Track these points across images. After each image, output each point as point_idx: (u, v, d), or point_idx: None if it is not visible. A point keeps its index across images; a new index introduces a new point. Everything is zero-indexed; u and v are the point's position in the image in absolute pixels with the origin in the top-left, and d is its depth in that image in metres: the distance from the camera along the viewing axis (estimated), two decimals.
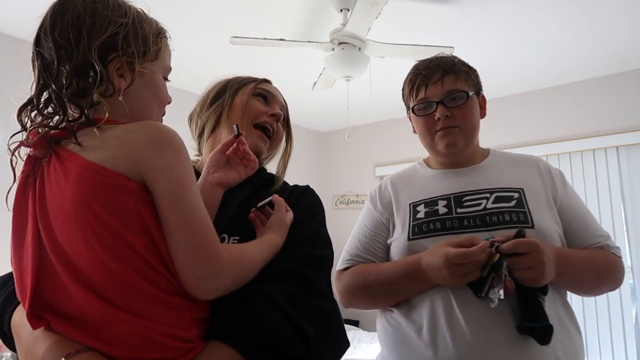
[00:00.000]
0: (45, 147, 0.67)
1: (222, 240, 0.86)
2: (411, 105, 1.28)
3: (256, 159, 0.93)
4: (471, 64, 1.30)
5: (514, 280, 1.00)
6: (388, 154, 4.81)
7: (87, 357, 0.61)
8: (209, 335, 0.69)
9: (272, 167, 1.10)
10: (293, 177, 1.05)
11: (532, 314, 1.00)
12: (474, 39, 3.13)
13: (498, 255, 0.98)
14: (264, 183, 1.00)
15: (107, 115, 0.66)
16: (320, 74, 3.11)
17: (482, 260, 1.00)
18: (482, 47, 3.24)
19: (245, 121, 0.99)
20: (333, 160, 5.23)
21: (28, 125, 0.68)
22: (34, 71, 0.69)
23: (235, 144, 0.90)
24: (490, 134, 4.38)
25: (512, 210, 1.14)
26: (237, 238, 0.86)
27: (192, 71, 3.18)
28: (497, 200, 1.16)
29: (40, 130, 0.67)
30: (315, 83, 3.24)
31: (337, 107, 4.34)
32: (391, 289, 1.17)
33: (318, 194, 1.01)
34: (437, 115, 1.21)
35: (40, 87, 0.68)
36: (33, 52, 0.68)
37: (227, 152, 0.90)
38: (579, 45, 3.22)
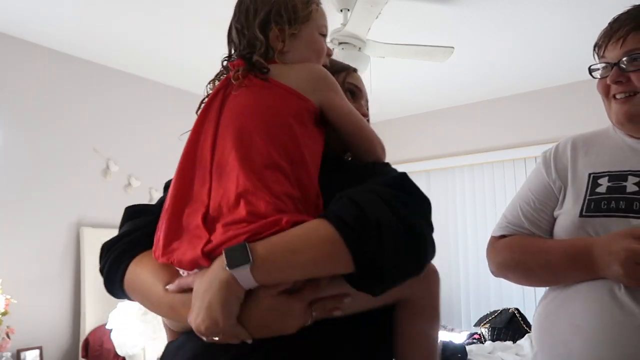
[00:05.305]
0: (245, 65, 0.86)
1: None
2: (590, 67, 1.09)
3: None
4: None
5: None
6: (388, 154, 4.77)
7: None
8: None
9: None
10: None
11: None
12: (474, 39, 3.13)
13: None
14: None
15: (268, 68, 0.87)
16: None
17: None
18: (481, 47, 3.23)
19: None
20: None
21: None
22: (230, 43, 0.94)
23: None
24: (489, 134, 4.40)
25: None
26: None
27: (191, 70, 3.19)
28: None
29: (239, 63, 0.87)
30: None
31: None
32: (551, 272, 1.02)
33: None
34: (608, 80, 1.05)
35: (231, 53, 0.93)
36: (230, 32, 0.94)
37: None
38: (580, 45, 3.21)
